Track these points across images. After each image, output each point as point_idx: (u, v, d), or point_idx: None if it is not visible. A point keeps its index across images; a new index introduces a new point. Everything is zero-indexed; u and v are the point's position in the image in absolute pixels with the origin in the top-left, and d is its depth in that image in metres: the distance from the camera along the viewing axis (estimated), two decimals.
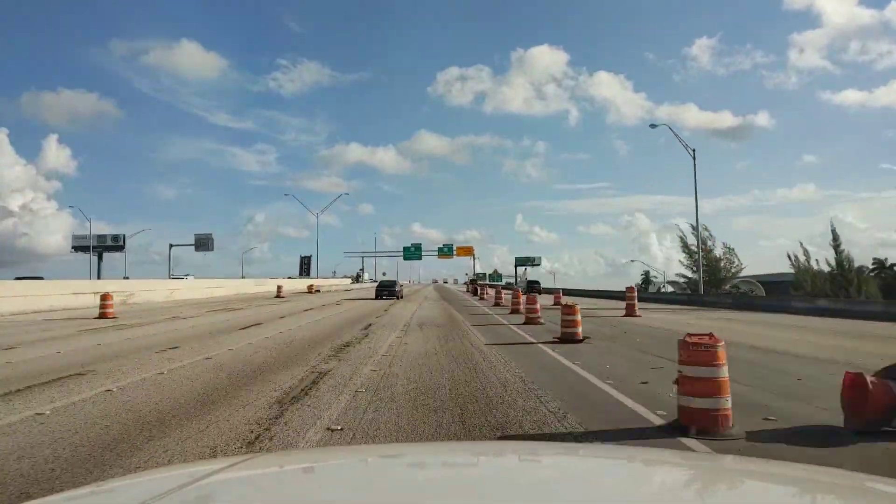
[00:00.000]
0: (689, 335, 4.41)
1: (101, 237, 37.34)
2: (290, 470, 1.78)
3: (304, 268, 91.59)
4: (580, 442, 4.44)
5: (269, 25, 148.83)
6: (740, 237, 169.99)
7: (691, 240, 37.37)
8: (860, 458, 3.87)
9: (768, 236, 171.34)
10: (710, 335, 4.37)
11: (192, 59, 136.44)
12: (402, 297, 32.83)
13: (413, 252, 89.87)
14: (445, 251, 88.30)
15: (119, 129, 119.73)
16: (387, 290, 34.24)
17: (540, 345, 8.29)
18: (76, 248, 37.88)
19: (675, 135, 31.53)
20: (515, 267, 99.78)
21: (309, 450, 3.33)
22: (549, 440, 4.57)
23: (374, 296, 32.87)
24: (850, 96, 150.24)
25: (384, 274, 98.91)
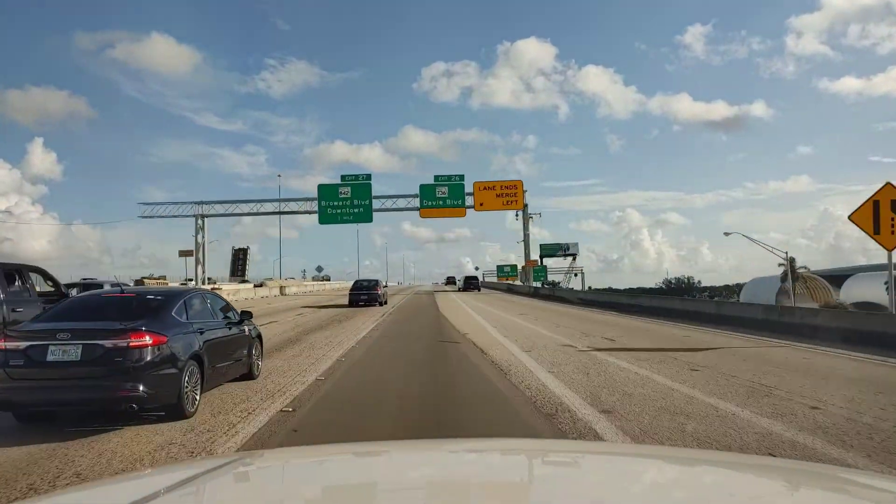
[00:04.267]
0: None
1: None
2: (285, 468, 1.95)
3: (239, 265, 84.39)
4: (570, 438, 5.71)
5: (256, 24, 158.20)
6: (732, 231, 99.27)
7: None
8: None
9: (760, 230, 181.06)
10: None
11: (176, 58, 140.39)
12: (385, 303, 33.40)
13: (345, 203, 51.94)
14: (447, 200, 52.81)
15: (100, 130, 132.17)
16: (365, 292, 33.34)
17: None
18: None
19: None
20: (541, 258, 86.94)
21: (302, 448, 3.67)
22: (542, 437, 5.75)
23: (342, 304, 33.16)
24: (849, 84, 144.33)
25: (319, 269, 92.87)
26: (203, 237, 50.62)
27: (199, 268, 50.29)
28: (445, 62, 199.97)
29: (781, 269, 55.15)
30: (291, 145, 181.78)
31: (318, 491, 1.67)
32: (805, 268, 60.18)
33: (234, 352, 8.78)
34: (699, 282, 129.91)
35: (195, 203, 50.98)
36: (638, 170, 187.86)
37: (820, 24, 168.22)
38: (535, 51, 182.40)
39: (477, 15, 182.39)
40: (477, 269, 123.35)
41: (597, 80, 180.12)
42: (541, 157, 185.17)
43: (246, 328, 9.37)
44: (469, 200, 51.05)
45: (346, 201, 49.62)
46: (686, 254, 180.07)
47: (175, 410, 6.87)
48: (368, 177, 50.07)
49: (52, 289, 14.13)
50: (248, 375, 9.32)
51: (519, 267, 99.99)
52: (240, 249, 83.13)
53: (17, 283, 12.83)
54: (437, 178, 51.56)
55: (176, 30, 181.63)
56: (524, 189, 51.39)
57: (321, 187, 50.22)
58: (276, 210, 51.51)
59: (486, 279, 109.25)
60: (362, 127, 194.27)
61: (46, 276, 14.48)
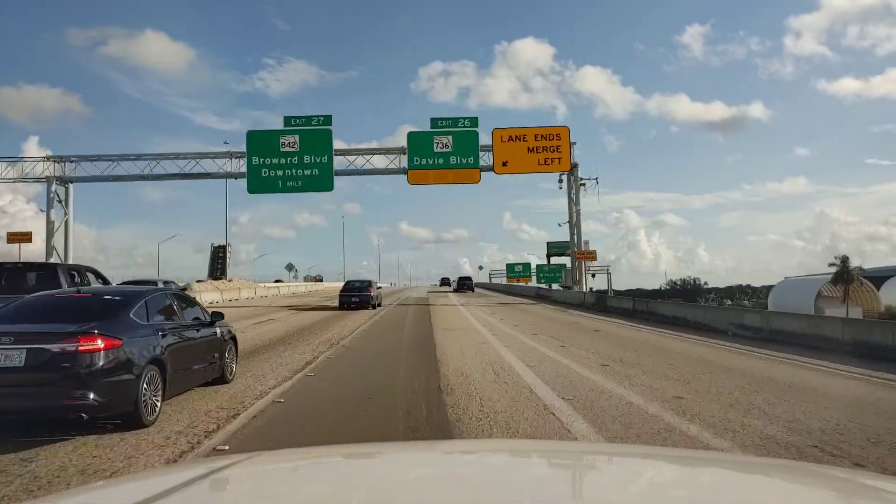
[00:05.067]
0: None
1: None
2: (284, 470, 2.00)
3: (218, 264, 76.21)
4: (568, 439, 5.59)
5: (255, 23, 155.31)
6: (728, 233, 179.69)
7: None
8: None
9: (757, 231, 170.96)
10: None
11: (173, 56, 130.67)
12: (378, 306, 32.57)
13: (291, 161, 34.18)
14: (451, 157, 34.13)
15: (96, 128, 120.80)
16: (356, 294, 29.78)
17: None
18: None
19: None
20: (548, 256, 78.27)
21: (302, 450, 3.57)
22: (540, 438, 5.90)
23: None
24: (847, 85, 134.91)
25: (290, 268, 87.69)
26: (66, 212, 31.64)
27: (55, 258, 31.03)
28: (443, 62, 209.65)
29: (827, 269, 49.19)
30: None
31: (318, 492, 1.78)
32: (859, 267, 51.98)
33: (203, 355, 8.84)
34: (705, 283, 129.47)
35: (50, 160, 32.17)
36: (635, 171, 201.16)
37: (819, 25, 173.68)
38: (532, 51, 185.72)
39: (474, 15, 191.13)
40: (481, 268, 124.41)
41: (594, 80, 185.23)
42: None
43: (218, 330, 9.52)
44: (486, 159, 31.91)
45: (292, 158, 31.77)
46: (683, 255, 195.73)
47: (132, 419, 6.88)
48: (328, 120, 32.90)
49: (104, 285, 16.65)
50: (221, 379, 9.52)
51: (532, 264, 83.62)
52: (219, 247, 77.91)
53: (76, 281, 14.87)
54: (435, 122, 33.00)
55: (174, 28, 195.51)
56: (571, 141, 32.24)
57: (252, 136, 31.52)
58: (182, 172, 32.16)
59: (493, 280, 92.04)
60: (360, 126, 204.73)
61: (98, 274, 16.79)
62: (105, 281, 17.02)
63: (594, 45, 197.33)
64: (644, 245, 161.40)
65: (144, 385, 6.81)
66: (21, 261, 18.48)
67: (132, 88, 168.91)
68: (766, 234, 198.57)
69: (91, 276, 16.06)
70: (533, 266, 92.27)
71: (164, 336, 7.58)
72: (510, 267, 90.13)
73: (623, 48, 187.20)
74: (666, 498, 1.53)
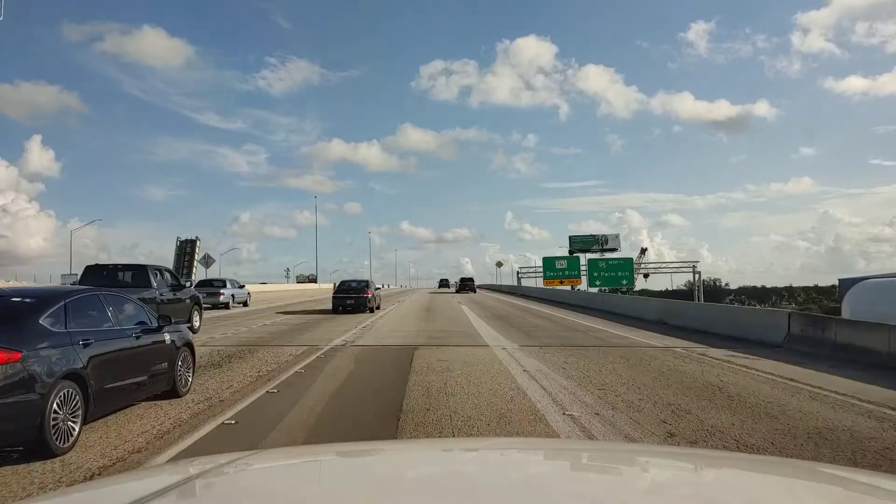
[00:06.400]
0: None
1: None
2: (282, 468, 2.06)
3: (185, 261, 71.00)
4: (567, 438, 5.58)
5: (257, 22, 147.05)
6: (731, 234, 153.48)
7: None
8: None
9: (760, 232, 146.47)
10: None
11: (174, 56, 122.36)
12: (378, 308, 32.05)
13: None
14: None
15: (95, 127, 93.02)
16: (352, 296, 27.90)
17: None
18: None
19: None
20: (570, 252, 70.51)
21: (303, 448, 3.94)
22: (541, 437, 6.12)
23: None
24: (854, 84, 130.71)
25: (206, 260, 60.70)
26: None
27: None
28: (444, 60, 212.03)
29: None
30: (292, 144, 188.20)
31: (317, 490, 1.81)
32: None
33: (144, 366, 8.09)
34: (727, 284, 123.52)
35: None
36: (639, 170, 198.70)
37: (827, 21, 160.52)
38: (534, 49, 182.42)
39: (476, 13, 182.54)
40: (500, 265, 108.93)
41: (597, 78, 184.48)
42: (541, 157, 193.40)
43: (167, 336, 8.79)
44: None
45: None
46: (686, 256, 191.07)
47: (36, 446, 6.02)
48: None
49: (174, 282, 19.43)
50: (173, 392, 8.83)
51: (581, 259, 57.98)
52: (186, 241, 71.94)
53: (158, 278, 17.86)
54: None
55: (172, 24, 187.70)
56: None
57: None
58: None
59: (523, 282, 67.86)
60: (361, 125, 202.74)
61: (171, 273, 19.99)
62: (177, 280, 19.53)
63: (597, 43, 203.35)
64: (647, 245, 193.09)
65: (55, 405, 6.07)
66: (119, 263, 20.79)
67: (131, 86, 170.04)
68: (770, 234, 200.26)
69: (168, 276, 18.79)
70: (582, 262, 66.50)
71: (87, 345, 6.75)
72: (548, 263, 67.32)
73: (626, 46, 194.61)
74: (667, 497, 1.56)
